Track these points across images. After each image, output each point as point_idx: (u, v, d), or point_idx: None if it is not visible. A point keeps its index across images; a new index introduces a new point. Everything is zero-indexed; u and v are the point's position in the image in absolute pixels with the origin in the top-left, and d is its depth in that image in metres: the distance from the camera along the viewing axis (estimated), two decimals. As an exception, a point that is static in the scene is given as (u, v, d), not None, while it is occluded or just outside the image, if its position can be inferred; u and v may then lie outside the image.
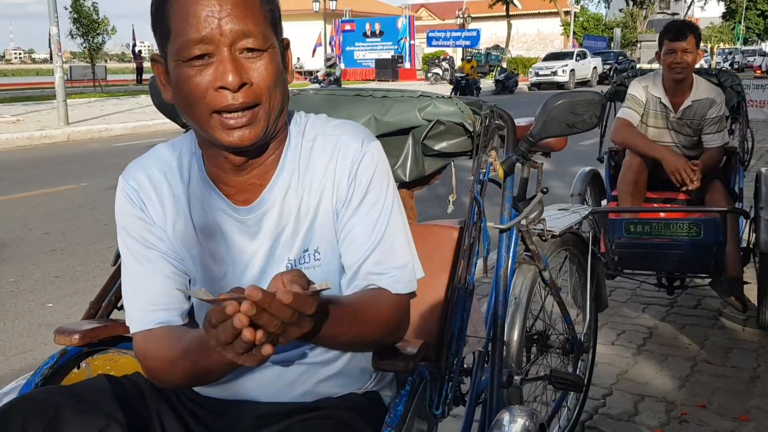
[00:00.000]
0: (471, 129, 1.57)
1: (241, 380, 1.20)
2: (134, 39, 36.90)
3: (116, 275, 1.56)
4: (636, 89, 3.39)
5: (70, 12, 24.44)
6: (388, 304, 1.16)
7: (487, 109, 1.61)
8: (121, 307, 1.53)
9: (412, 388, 1.14)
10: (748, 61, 39.83)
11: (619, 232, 3.17)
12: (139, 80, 31.90)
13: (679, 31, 3.26)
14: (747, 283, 3.45)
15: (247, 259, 1.19)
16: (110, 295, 1.52)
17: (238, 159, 1.13)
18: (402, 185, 1.78)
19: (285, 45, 1.14)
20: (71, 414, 1.06)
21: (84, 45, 25.40)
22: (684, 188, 3.18)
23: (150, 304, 1.17)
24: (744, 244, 3.41)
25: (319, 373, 1.22)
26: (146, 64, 31.18)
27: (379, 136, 1.64)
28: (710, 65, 25.63)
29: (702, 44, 5.04)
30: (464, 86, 21.55)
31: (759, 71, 32.31)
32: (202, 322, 1.17)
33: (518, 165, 1.86)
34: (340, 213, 1.19)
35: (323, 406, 1.18)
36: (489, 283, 1.80)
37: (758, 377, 2.92)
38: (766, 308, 3.27)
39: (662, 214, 3.19)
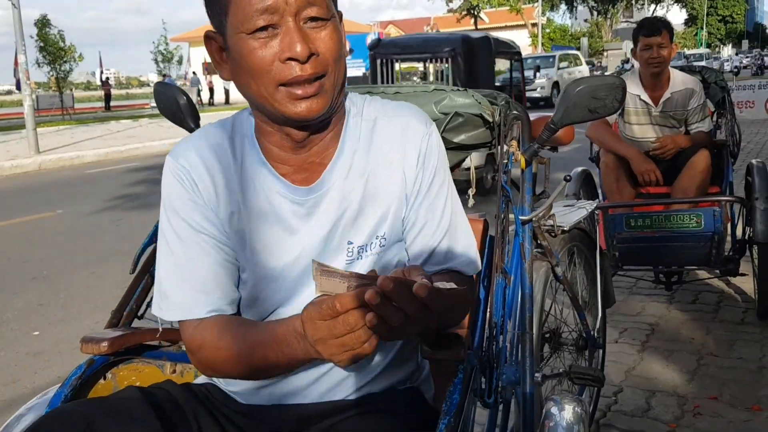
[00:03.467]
0: (490, 120, 1.54)
1: (281, 385, 1.15)
2: (101, 66, 36.64)
3: (136, 284, 1.50)
4: None
5: (37, 41, 24.15)
6: (467, 285, 1.18)
7: (502, 100, 1.59)
8: (142, 317, 1.48)
9: (465, 376, 1.10)
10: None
11: (619, 227, 3.18)
12: (108, 107, 31.63)
13: (654, 26, 3.37)
14: (744, 275, 3.47)
15: (302, 243, 1.12)
16: (131, 304, 1.46)
17: (299, 134, 1.08)
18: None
19: (339, 17, 1.09)
20: (105, 425, 1.00)
21: (51, 73, 25.10)
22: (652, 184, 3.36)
23: (200, 291, 1.10)
24: (739, 236, 3.44)
25: (363, 374, 1.16)
26: (114, 91, 30.95)
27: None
28: None
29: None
30: None
31: None
32: (246, 315, 1.16)
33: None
34: (410, 198, 1.16)
35: (367, 401, 1.14)
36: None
37: (765, 367, 2.92)
38: (765, 299, 3.29)
39: (662, 207, 3.21)
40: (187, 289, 1.11)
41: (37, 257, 5.61)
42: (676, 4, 63.57)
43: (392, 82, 8.67)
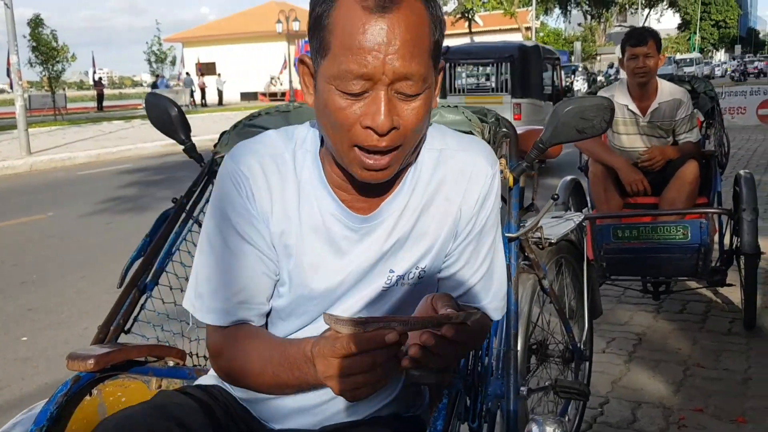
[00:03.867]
0: (480, 137, 1.55)
1: (289, 401, 1.16)
2: (94, 66, 36.54)
3: (123, 298, 1.50)
4: None
5: (29, 40, 24.05)
6: (487, 328, 1.25)
7: (492, 117, 1.60)
8: (129, 331, 1.48)
9: (450, 401, 1.11)
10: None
11: (607, 238, 3.20)
12: (100, 107, 31.51)
13: (641, 36, 3.38)
14: (731, 285, 3.50)
15: (349, 267, 1.14)
16: (118, 319, 1.46)
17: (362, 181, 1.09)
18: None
19: (440, 70, 1.08)
20: None
21: (43, 73, 25.00)
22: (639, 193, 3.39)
23: (234, 301, 1.12)
24: (726, 247, 3.47)
25: (373, 401, 1.18)
26: (107, 91, 30.90)
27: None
28: None
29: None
30: None
31: None
32: (276, 328, 1.19)
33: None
34: (459, 235, 1.17)
35: (369, 426, 1.16)
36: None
37: (750, 378, 2.94)
38: (752, 309, 3.31)
39: (650, 218, 3.23)
40: (222, 297, 1.12)
41: (28, 261, 5.59)
42: (669, 8, 63.95)
43: (455, 83, 10.74)
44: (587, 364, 2.56)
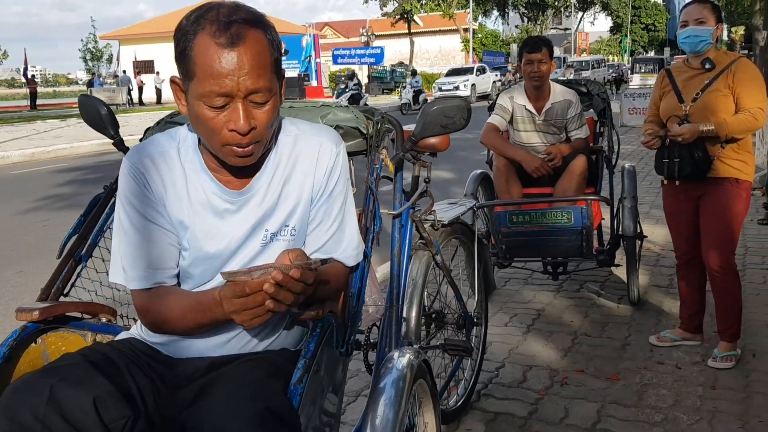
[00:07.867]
0: (365, 132, 1.88)
1: (198, 341, 1.46)
2: (26, 63, 35.47)
3: (62, 266, 1.76)
4: (503, 99, 3.90)
5: (-44, 36, 23.34)
6: (343, 272, 1.57)
7: (378, 116, 1.92)
8: (67, 294, 1.75)
9: (322, 331, 1.43)
10: None
11: (504, 223, 3.57)
12: (34, 106, 30.74)
13: (535, 44, 3.78)
14: (618, 265, 3.93)
15: (232, 232, 1.46)
16: (58, 283, 1.73)
17: (234, 167, 1.42)
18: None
19: (282, 76, 1.41)
20: (65, 389, 1.25)
21: (-28, 70, 24.29)
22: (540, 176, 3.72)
23: (149, 268, 1.43)
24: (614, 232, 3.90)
25: (262, 338, 1.49)
26: (40, 89, 30.15)
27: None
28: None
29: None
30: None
31: None
32: (190, 285, 1.49)
33: (412, 165, 2.19)
34: (314, 199, 1.52)
35: (260, 355, 1.46)
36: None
37: (628, 344, 3.36)
38: (633, 286, 3.76)
39: (543, 205, 3.61)
40: (139, 266, 1.43)
41: (-38, 257, 5.66)
42: (602, 12, 66.12)
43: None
44: (482, 330, 2.91)
